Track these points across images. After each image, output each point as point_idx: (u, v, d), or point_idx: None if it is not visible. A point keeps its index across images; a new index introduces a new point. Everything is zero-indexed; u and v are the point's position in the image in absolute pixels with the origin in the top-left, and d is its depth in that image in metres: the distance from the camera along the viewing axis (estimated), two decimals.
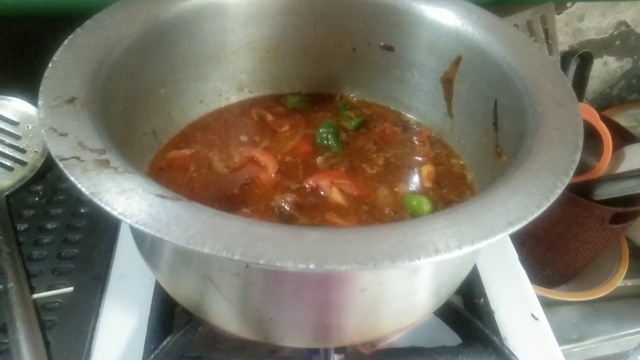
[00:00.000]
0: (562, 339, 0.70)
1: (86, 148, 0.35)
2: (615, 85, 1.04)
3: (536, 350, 0.54)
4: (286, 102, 0.66)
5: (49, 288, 0.55)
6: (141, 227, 0.31)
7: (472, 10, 0.55)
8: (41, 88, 0.40)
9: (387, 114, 0.66)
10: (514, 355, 0.50)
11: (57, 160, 0.34)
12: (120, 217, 0.31)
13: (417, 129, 0.64)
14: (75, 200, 0.65)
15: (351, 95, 0.68)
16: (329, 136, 0.60)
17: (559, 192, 0.36)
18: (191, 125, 0.61)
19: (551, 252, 0.81)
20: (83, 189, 0.33)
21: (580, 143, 0.41)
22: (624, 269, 0.84)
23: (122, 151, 0.37)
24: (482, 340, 0.52)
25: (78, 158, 0.34)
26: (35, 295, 0.54)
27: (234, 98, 0.64)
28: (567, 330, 0.80)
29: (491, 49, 0.52)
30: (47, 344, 0.50)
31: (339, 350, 0.50)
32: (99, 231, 0.61)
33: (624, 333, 0.81)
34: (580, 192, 0.74)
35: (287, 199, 0.52)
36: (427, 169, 0.58)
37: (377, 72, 0.64)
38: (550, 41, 0.87)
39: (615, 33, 0.95)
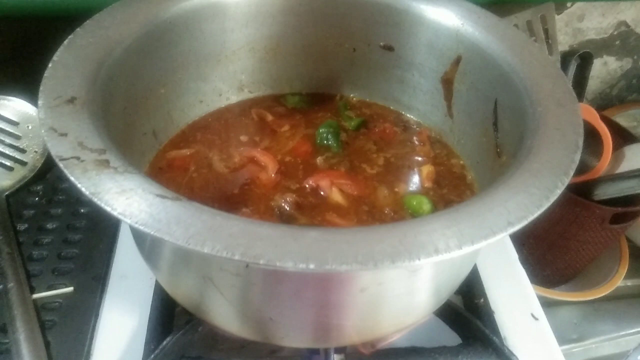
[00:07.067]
0: (562, 339, 0.70)
1: (86, 148, 0.35)
2: (615, 85, 1.04)
3: (536, 350, 0.54)
4: (286, 102, 0.66)
5: (49, 288, 0.55)
6: (141, 227, 0.31)
7: (472, 10, 0.55)
8: (41, 88, 0.40)
9: (387, 114, 0.66)
10: (514, 355, 0.50)
11: (57, 160, 0.34)
12: (120, 217, 0.31)
13: (417, 129, 0.64)
14: (75, 200, 0.65)
15: (351, 95, 0.68)
16: (329, 136, 0.60)
17: (559, 192, 0.36)
18: (191, 125, 0.61)
19: (551, 252, 0.81)
20: (83, 189, 0.33)
21: (580, 143, 0.41)
22: (624, 269, 0.84)
23: (122, 151, 0.37)
24: (482, 340, 0.52)
25: (78, 158, 0.34)
26: (35, 295, 0.54)
27: (234, 98, 0.64)
28: (567, 330, 0.80)
29: (491, 49, 0.52)
30: (47, 344, 0.50)
31: (339, 350, 0.50)
32: (99, 231, 0.61)
33: (624, 333, 0.81)
34: (580, 192, 0.74)
35: (287, 199, 0.52)
36: (427, 169, 0.58)
37: (377, 72, 0.64)
38: (550, 41, 0.87)
39: (615, 33, 0.95)
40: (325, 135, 0.60)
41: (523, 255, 0.63)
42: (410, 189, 0.56)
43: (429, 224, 0.33)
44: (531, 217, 0.34)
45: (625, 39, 0.96)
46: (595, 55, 0.93)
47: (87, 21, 0.47)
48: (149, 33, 0.50)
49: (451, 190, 0.56)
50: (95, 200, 0.32)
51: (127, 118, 0.49)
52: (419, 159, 0.60)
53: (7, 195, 0.65)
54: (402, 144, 0.61)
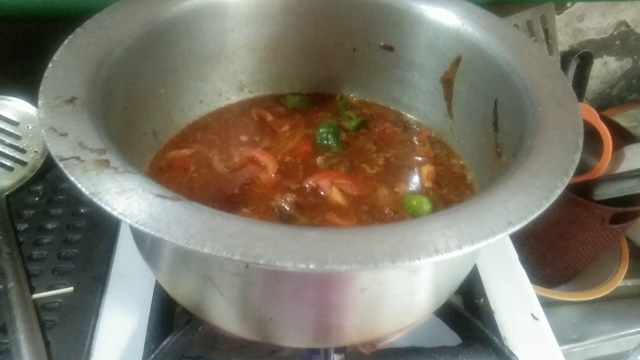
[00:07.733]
0: (562, 339, 0.70)
1: (86, 148, 0.35)
2: (615, 85, 1.04)
3: (536, 350, 0.54)
4: (286, 102, 0.66)
5: (49, 288, 0.55)
6: (141, 227, 0.31)
7: (472, 10, 0.55)
8: (41, 88, 0.40)
9: (387, 114, 0.66)
10: (514, 355, 0.50)
11: (57, 160, 0.34)
12: (120, 217, 0.31)
13: (417, 129, 0.64)
14: (75, 200, 0.65)
15: (351, 95, 0.68)
16: (329, 136, 0.60)
17: (559, 192, 0.36)
18: (191, 125, 0.61)
19: (551, 252, 0.81)
20: (83, 189, 0.33)
21: (580, 143, 0.41)
22: (624, 269, 0.84)
23: (122, 151, 0.37)
24: (482, 340, 0.52)
25: (78, 158, 0.34)
26: (35, 295, 0.54)
27: (234, 98, 0.64)
28: (567, 330, 0.80)
29: (491, 49, 0.52)
30: (47, 344, 0.50)
31: (339, 350, 0.50)
32: (99, 231, 0.61)
33: (624, 333, 0.81)
34: (580, 192, 0.74)
35: (287, 199, 0.52)
36: (427, 169, 0.58)
37: (377, 72, 0.64)
38: (550, 41, 0.87)
39: (615, 33, 0.95)
40: (325, 135, 0.60)
41: (523, 255, 0.63)
42: (410, 189, 0.56)
43: (429, 224, 0.33)
44: (531, 217, 0.34)
45: (625, 39, 0.96)
46: (595, 55, 0.93)
47: (87, 21, 0.47)
48: (149, 33, 0.50)
49: (451, 190, 0.56)
50: (95, 200, 0.32)
51: (127, 118, 0.49)
52: (419, 159, 0.60)
53: (7, 195, 0.65)
54: (402, 144, 0.61)
